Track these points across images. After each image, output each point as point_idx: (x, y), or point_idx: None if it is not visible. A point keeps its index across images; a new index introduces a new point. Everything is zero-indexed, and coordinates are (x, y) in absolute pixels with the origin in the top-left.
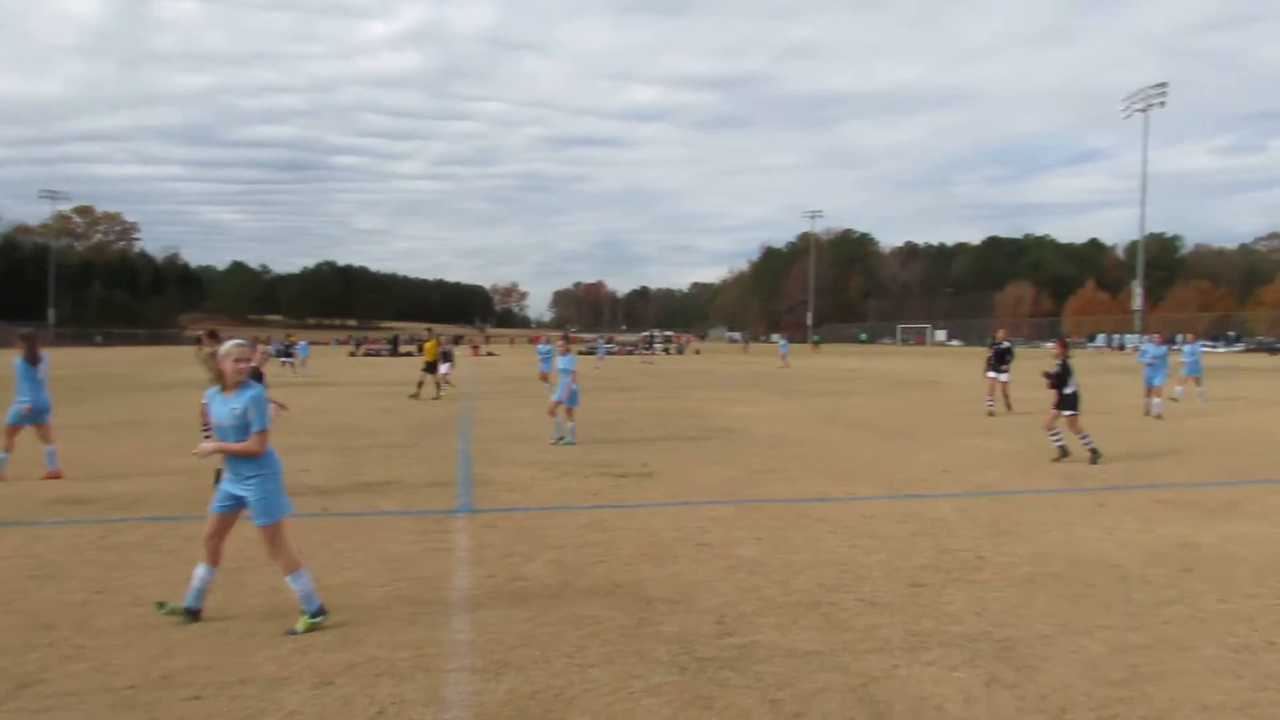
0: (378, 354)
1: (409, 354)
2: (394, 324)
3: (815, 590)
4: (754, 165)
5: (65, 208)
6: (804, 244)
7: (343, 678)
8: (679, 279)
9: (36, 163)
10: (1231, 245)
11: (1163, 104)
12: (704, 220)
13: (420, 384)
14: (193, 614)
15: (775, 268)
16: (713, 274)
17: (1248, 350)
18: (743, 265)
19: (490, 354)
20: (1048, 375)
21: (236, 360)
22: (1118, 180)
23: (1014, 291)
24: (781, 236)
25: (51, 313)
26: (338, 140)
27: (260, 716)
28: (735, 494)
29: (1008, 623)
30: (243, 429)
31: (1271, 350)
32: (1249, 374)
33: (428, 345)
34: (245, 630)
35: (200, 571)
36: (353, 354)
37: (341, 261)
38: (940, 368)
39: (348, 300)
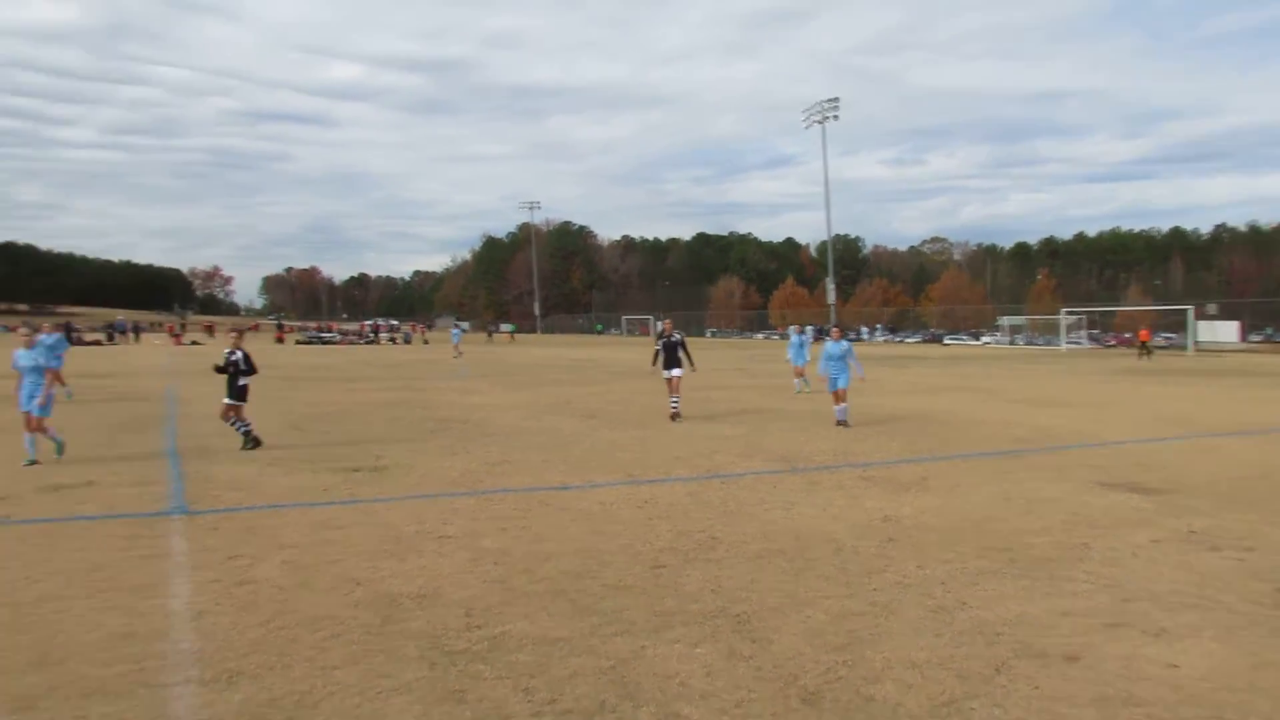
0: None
1: (96, 343)
2: (76, 308)
3: (561, 578)
4: (468, 153)
5: None
6: (525, 234)
7: (46, 700)
8: (400, 266)
9: None
10: (904, 247)
11: (836, 117)
12: (423, 207)
13: None
14: None
15: (498, 257)
16: (435, 262)
17: (923, 341)
18: (465, 254)
19: (194, 343)
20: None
21: None
22: (807, 185)
23: (725, 285)
24: (503, 226)
25: None
26: None
27: None
28: (475, 485)
29: (741, 598)
30: None
31: (941, 341)
32: (924, 363)
33: None
34: None
35: None
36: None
37: (3, 238)
38: None
39: (15, 282)
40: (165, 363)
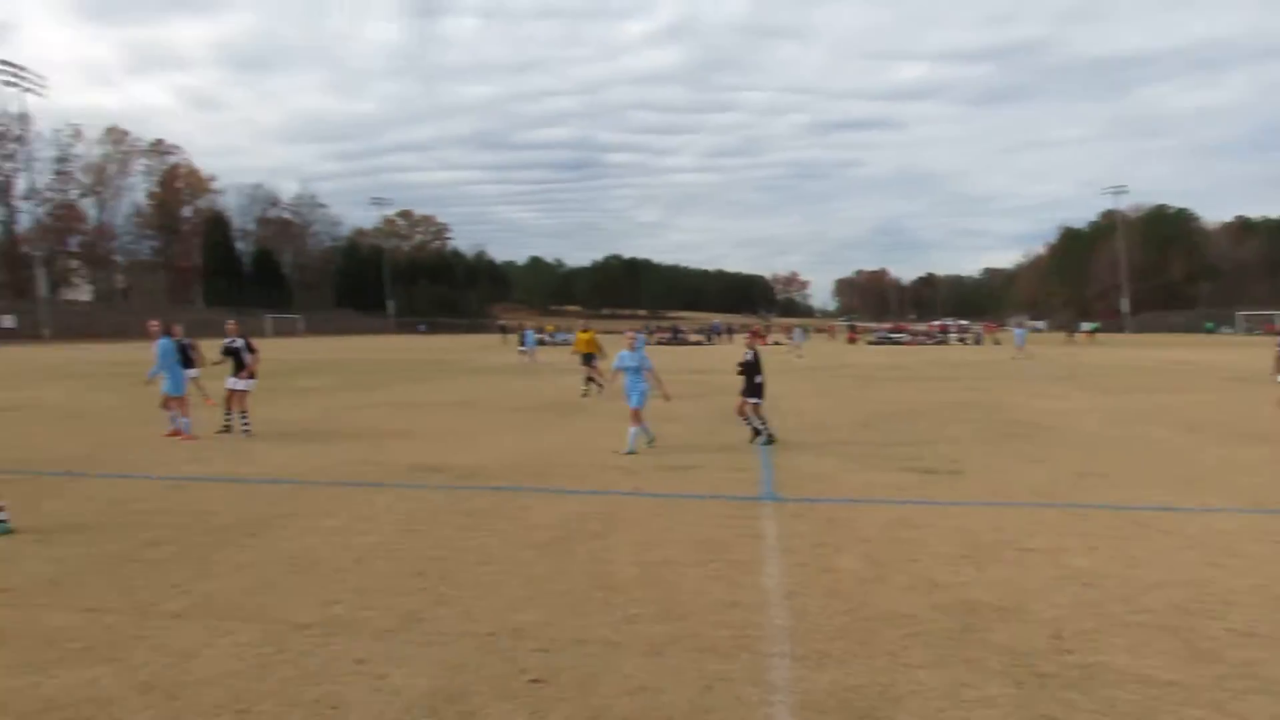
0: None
1: (698, 343)
2: (680, 313)
3: (1169, 612)
4: (1039, 140)
5: (390, 212)
6: (1109, 222)
7: (670, 649)
8: (968, 264)
9: (364, 173)
10: None
11: None
12: (991, 201)
13: (590, 379)
14: None
15: (1077, 249)
16: (1006, 258)
17: None
18: (1039, 248)
19: (776, 342)
20: None
21: None
22: None
23: None
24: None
25: (391, 305)
26: (611, 138)
27: (601, 676)
28: (1059, 496)
29: None
30: None
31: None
32: None
33: (581, 336)
34: (580, 595)
35: None
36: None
37: (627, 254)
38: None
39: (635, 291)
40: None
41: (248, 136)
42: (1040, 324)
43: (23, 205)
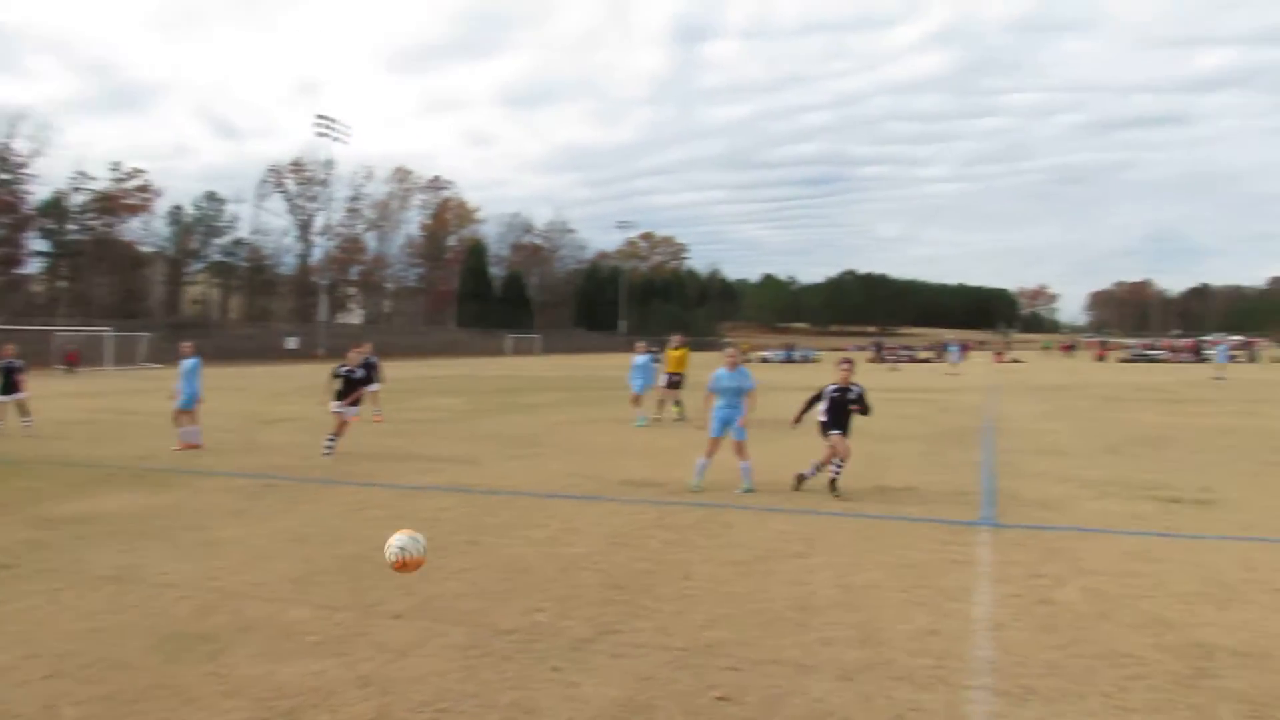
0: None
1: (925, 360)
2: (913, 330)
3: None
4: None
5: (633, 234)
6: None
7: (863, 675)
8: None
9: (613, 198)
10: None
11: None
12: None
13: (676, 402)
14: None
15: None
16: None
17: None
18: None
19: (1015, 360)
20: None
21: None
22: None
23: None
24: None
25: (623, 324)
26: (862, 151)
27: (788, 698)
28: None
29: None
30: None
31: None
32: None
33: (672, 354)
34: (775, 615)
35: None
36: (871, 360)
37: (862, 270)
38: None
39: (868, 307)
40: (986, 380)
41: (512, 168)
42: None
43: (317, 240)
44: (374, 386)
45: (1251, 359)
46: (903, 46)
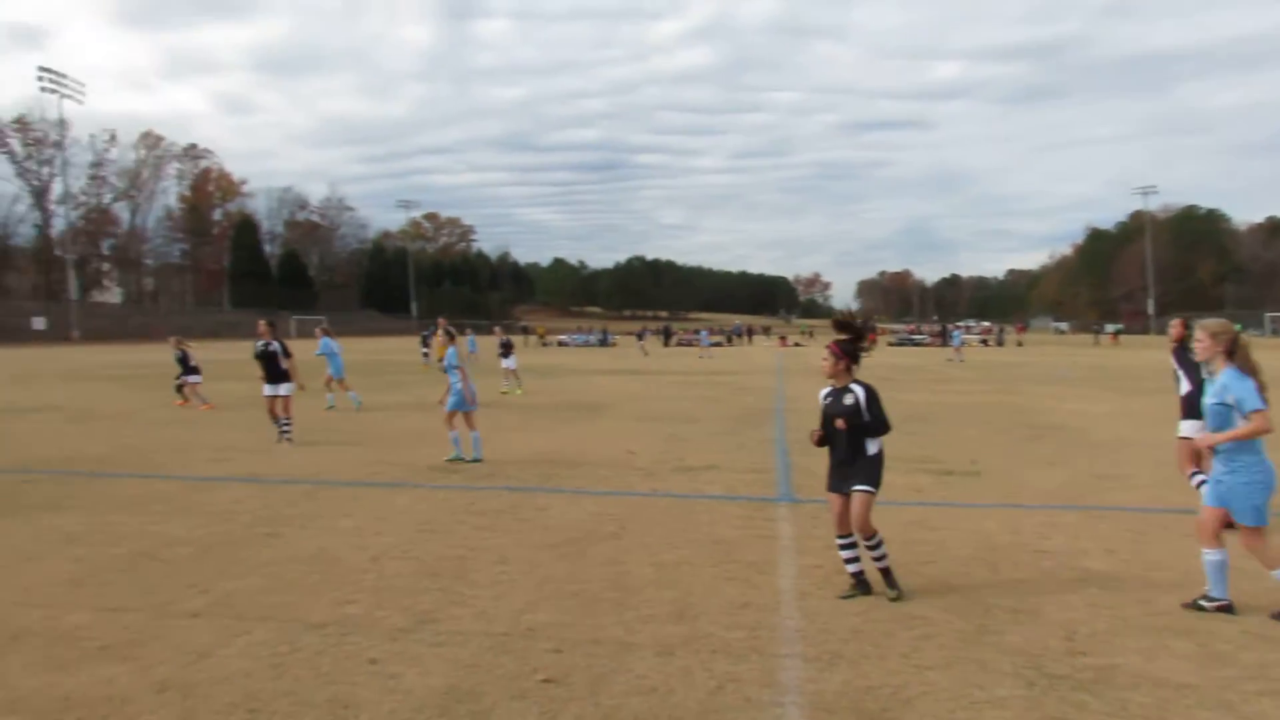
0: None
1: (718, 344)
2: (703, 315)
3: (1186, 615)
4: (1072, 139)
5: (416, 214)
6: (1137, 224)
7: (682, 650)
8: (993, 265)
9: (391, 176)
10: None
11: None
12: (1018, 202)
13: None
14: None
15: (1104, 251)
16: (1031, 259)
17: None
18: (1065, 249)
19: (796, 344)
20: None
21: None
22: None
23: None
24: (1108, 216)
25: (415, 306)
26: (639, 139)
27: (612, 676)
28: (1076, 499)
29: None
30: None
31: None
32: None
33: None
34: (593, 595)
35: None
36: (665, 345)
37: (649, 256)
38: None
39: (657, 293)
40: (773, 362)
41: (278, 140)
42: (1063, 325)
43: (57, 210)
44: (196, 378)
45: (999, 343)
46: (670, 39)
